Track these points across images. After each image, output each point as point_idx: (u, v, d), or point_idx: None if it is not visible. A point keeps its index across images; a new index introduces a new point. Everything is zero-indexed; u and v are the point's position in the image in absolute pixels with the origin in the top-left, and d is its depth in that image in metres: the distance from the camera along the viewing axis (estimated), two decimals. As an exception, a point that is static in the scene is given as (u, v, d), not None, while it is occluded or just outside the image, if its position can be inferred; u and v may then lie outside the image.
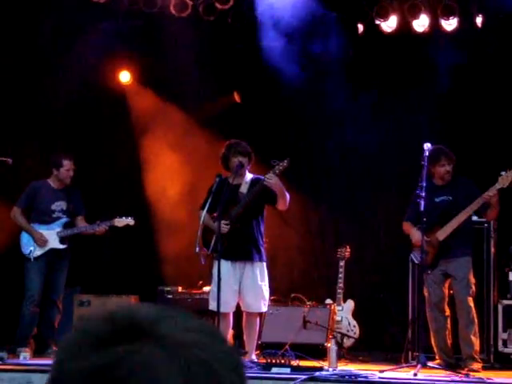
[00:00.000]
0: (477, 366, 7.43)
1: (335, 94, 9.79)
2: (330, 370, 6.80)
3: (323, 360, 7.26)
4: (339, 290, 8.64)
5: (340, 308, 8.62)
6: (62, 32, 9.54)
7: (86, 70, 9.85)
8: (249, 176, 7.77)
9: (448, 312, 7.69)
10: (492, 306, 8.26)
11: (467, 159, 8.39)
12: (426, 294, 7.72)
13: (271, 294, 7.94)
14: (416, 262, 7.78)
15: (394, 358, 8.23)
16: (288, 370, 6.77)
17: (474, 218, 7.96)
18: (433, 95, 9.43)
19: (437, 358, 7.62)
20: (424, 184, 7.33)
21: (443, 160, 7.74)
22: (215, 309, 7.34)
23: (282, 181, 7.52)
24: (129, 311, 0.98)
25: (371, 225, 9.75)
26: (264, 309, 7.77)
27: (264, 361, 7.13)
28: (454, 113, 9.42)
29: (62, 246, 8.31)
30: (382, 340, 9.23)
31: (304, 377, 6.40)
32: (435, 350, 7.67)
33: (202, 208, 7.63)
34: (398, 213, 8.99)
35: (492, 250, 8.31)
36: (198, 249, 7.51)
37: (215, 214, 7.55)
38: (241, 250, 7.57)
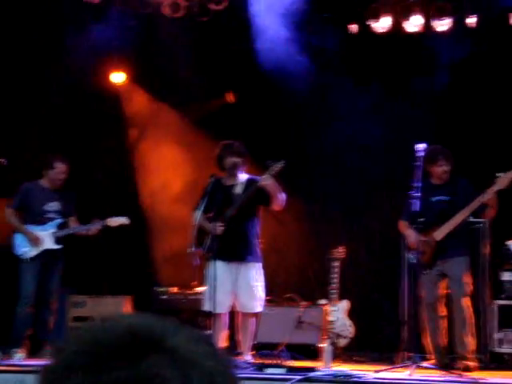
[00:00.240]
0: (471, 365, 7.45)
1: (330, 94, 9.82)
2: (325, 370, 6.80)
3: (317, 360, 7.26)
4: (333, 291, 8.65)
5: (334, 308, 8.62)
6: (55, 33, 9.53)
7: (80, 70, 9.83)
8: (243, 176, 7.77)
9: (444, 312, 7.70)
10: (486, 305, 8.27)
11: (462, 159, 8.39)
12: (421, 294, 7.72)
13: (266, 294, 7.93)
14: (412, 261, 7.77)
15: (388, 358, 8.23)
16: (283, 371, 6.77)
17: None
18: (427, 95, 9.45)
19: (431, 357, 7.63)
20: (418, 184, 7.33)
21: (441, 160, 7.74)
22: (210, 309, 7.34)
23: (277, 179, 7.52)
24: (134, 323, 0.98)
25: (365, 225, 9.77)
26: (259, 309, 7.77)
27: (259, 361, 7.13)
28: (448, 113, 9.43)
29: (56, 247, 8.31)
30: (376, 340, 9.24)
31: (299, 377, 6.39)
32: (430, 349, 7.68)
33: (197, 209, 7.64)
34: (392, 213, 9.01)
35: (486, 249, 8.32)
36: (192, 249, 7.51)
37: (210, 215, 7.55)
38: (236, 250, 7.57)
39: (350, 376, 6.53)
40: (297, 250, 9.81)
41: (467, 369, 7.24)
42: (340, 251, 8.76)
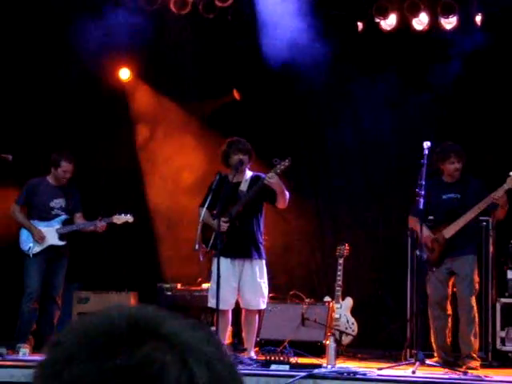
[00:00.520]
0: (475, 364, 7.45)
1: (336, 92, 9.82)
2: (329, 367, 6.82)
3: (322, 357, 7.28)
4: (338, 288, 8.66)
5: (338, 305, 8.64)
6: (60, 29, 9.54)
7: (86, 66, 9.85)
8: (249, 174, 7.78)
9: (450, 311, 7.68)
10: (490, 304, 8.27)
11: (474, 158, 8.34)
12: (428, 291, 7.71)
13: (270, 291, 7.95)
14: (422, 258, 7.75)
15: (392, 355, 8.25)
16: (287, 367, 6.79)
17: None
18: (436, 93, 9.40)
19: (435, 355, 7.63)
20: (423, 182, 7.32)
21: (453, 157, 7.69)
22: (214, 306, 7.36)
23: (281, 179, 7.54)
24: (131, 312, 1.00)
25: (370, 222, 9.77)
26: (263, 306, 7.80)
27: (263, 358, 7.15)
28: (458, 111, 9.40)
29: (60, 243, 8.33)
30: (380, 337, 9.25)
31: (303, 374, 6.41)
32: (434, 347, 7.67)
33: (202, 205, 7.65)
34: (396, 210, 9.03)
35: (491, 248, 8.31)
36: (197, 246, 7.53)
37: (215, 212, 7.56)
38: (240, 247, 7.59)
39: (354, 373, 6.55)
40: (301, 247, 9.82)
41: (471, 368, 7.24)
42: (345, 248, 8.77)
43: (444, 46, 9.21)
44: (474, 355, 7.57)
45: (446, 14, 9.11)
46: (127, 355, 0.95)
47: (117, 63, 10.26)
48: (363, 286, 9.51)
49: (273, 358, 7.00)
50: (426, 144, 7.49)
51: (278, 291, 8.97)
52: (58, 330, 8.23)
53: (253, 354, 7.57)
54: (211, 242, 7.57)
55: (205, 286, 8.84)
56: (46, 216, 8.33)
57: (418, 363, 6.83)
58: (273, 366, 6.81)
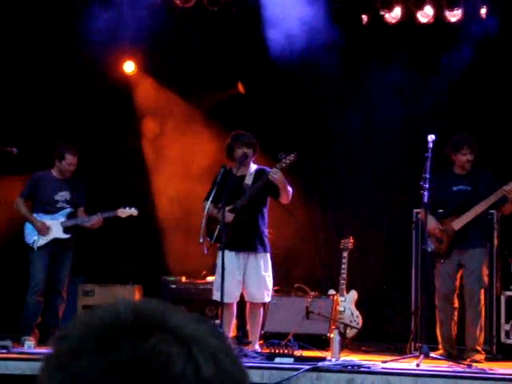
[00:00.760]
0: (479, 357, 7.45)
1: (340, 85, 9.80)
2: (333, 360, 6.82)
3: (326, 350, 7.28)
4: (342, 281, 8.67)
5: (343, 298, 8.65)
6: (64, 22, 9.54)
7: (91, 60, 9.85)
8: (253, 167, 7.78)
9: (457, 304, 7.67)
10: (495, 297, 8.27)
11: (486, 151, 8.28)
12: (436, 283, 7.69)
13: (274, 284, 7.96)
14: (429, 250, 7.74)
15: (397, 348, 8.27)
16: (291, 360, 6.79)
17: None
18: (444, 83, 9.36)
19: (440, 348, 7.63)
20: (428, 176, 7.28)
21: (466, 149, 7.66)
22: (219, 299, 7.37)
23: (285, 172, 7.53)
24: (136, 305, 1.02)
25: (375, 216, 9.77)
26: (267, 299, 7.80)
27: (267, 351, 7.16)
28: (467, 102, 9.35)
29: (65, 236, 8.34)
30: (384, 330, 9.27)
31: (307, 367, 6.42)
32: (439, 340, 7.66)
33: (207, 198, 7.66)
34: (401, 204, 9.03)
35: (495, 241, 8.30)
36: (201, 239, 7.54)
37: (220, 205, 7.57)
38: (245, 240, 7.59)
39: (358, 366, 6.56)
40: (305, 241, 9.82)
41: (475, 361, 7.24)
42: (349, 241, 8.78)
43: (451, 36, 9.17)
44: (479, 348, 7.57)
45: (451, 7, 9.10)
46: (133, 347, 0.96)
47: (121, 56, 10.25)
48: (368, 279, 9.52)
49: (277, 351, 7.01)
50: (431, 137, 7.45)
51: (283, 284, 8.97)
52: (63, 323, 8.26)
53: (257, 347, 7.58)
54: (216, 234, 7.58)
55: (209, 279, 8.85)
56: (51, 209, 8.34)
57: (422, 356, 6.83)
58: (277, 359, 6.82)
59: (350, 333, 8.56)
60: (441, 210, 7.83)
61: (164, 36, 9.93)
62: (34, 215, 8.34)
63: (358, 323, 8.64)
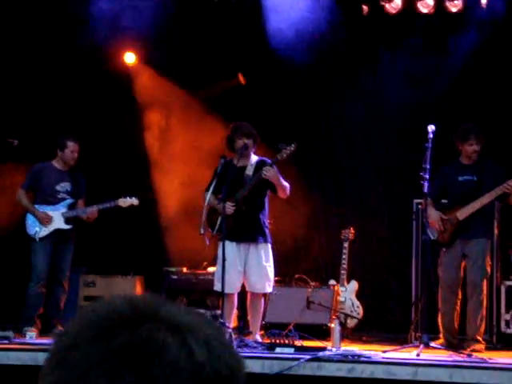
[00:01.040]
0: (480, 346, 7.47)
1: (340, 75, 9.80)
2: (334, 350, 6.84)
3: (327, 340, 7.31)
4: (343, 271, 8.69)
5: (343, 289, 8.67)
6: (65, 14, 9.54)
7: (91, 51, 9.85)
8: (254, 158, 7.79)
9: (460, 294, 7.65)
10: (495, 286, 8.28)
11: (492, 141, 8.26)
12: (440, 273, 7.69)
13: (276, 274, 7.98)
14: (432, 238, 7.74)
15: (397, 338, 8.29)
16: (292, 350, 6.82)
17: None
18: (444, 76, 9.35)
19: (441, 337, 7.63)
20: (428, 166, 7.27)
21: (472, 139, 7.66)
22: (220, 289, 7.38)
23: (285, 163, 7.55)
24: (132, 298, 1.05)
25: (375, 206, 9.78)
26: (268, 289, 7.82)
27: (268, 341, 7.19)
28: (470, 93, 9.34)
29: (67, 227, 8.36)
30: (385, 320, 9.29)
31: (307, 357, 6.44)
32: (441, 329, 7.65)
33: (207, 189, 7.67)
34: (402, 194, 9.05)
35: (495, 231, 8.31)
36: (202, 230, 7.55)
37: (220, 196, 7.59)
38: (246, 231, 7.61)
39: (359, 356, 6.57)
40: (306, 231, 9.83)
41: (475, 351, 7.25)
42: (350, 232, 8.80)
43: (455, 23, 9.14)
44: (480, 338, 7.58)
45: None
46: (128, 335, 0.99)
47: (122, 47, 10.26)
48: (368, 270, 9.54)
49: (278, 341, 7.03)
50: (431, 128, 7.45)
51: (284, 275, 8.99)
52: (65, 314, 8.29)
53: (258, 337, 7.60)
54: (217, 225, 7.60)
55: (210, 269, 8.87)
56: (52, 200, 8.36)
57: (422, 346, 6.85)
58: (277, 349, 6.84)
59: (351, 323, 8.58)
60: (445, 201, 7.84)
61: (164, 27, 9.93)
62: (36, 206, 8.36)
63: (358, 313, 8.67)
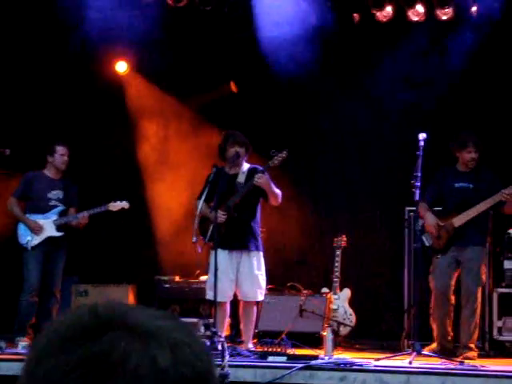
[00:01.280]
0: (472, 354, 7.47)
1: (332, 83, 9.82)
2: (326, 358, 6.84)
3: (319, 348, 7.31)
4: (335, 279, 8.68)
5: (336, 297, 8.66)
6: (56, 23, 9.54)
7: (83, 59, 9.86)
8: (246, 166, 7.81)
9: (453, 301, 7.66)
10: (487, 293, 8.29)
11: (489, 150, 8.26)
12: (432, 280, 7.69)
13: (267, 283, 7.97)
14: (427, 244, 7.74)
15: (390, 346, 8.29)
16: (284, 359, 6.81)
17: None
18: (439, 82, 9.35)
19: (434, 343, 7.61)
20: (419, 174, 7.27)
21: (471, 146, 7.65)
22: (212, 298, 7.39)
23: (277, 170, 7.56)
24: (96, 307, 1.05)
25: (368, 214, 9.79)
26: (261, 298, 7.82)
27: (260, 349, 7.18)
28: (466, 99, 9.34)
29: (58, 234, 8.34)
30: (378, 328, 9.29)
31: (300, 365, 6.44)
32: (435, 335, 7.64)
33: (199, 198, 7.68)
34: (394, 201, 9.06)
35: (487, 238, 8.31)
36: (195, 238, 7.55)
37: (212, 204, 7.59)
38: (237, 239, 7.62)
39: (351, 364, 6.58)
40: (298, 239, 9.83)
41: (468, 358, 7.25)
42: (342, 239, 8.80)
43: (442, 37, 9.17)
44: (472, 346, 7.58)
45: (442, 5, 9.12)
46: (90, 345, 0.99)
47: (114, 56, 10.26)
48: (361, 277, 9.54)
49: (270, 350, 7.03)
50: (422, 135, 7.46)
51: (276, 283, 8.99)
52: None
53: (251, 346, 7.60)
54: (209, 234, 7.60)
55: (203, 278, 8.86)
56: (44, 208, 8.35)
57: (414, 353, 6.85)
58: (270, 358, 6.83)
59: (344, 331, 8.58)
60: (439, 208, 7.84)
61: (156, 36, 9.93)
62: (27, 215, 8.35)
63: (351, 321, 8.66)
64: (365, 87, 9.63)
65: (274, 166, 7.57)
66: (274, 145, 7.89)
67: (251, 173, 7.67)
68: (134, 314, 1.04)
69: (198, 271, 9.22)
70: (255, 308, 7.86)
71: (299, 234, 9.83)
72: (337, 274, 8.68)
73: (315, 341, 7.82)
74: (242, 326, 7.85)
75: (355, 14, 9.43)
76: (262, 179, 7.44)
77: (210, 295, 7.53)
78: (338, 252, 8.75)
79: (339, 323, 8.51)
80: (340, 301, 8.68)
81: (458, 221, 7.61)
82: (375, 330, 9.24)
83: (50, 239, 8.31)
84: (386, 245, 9.50)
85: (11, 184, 8.77)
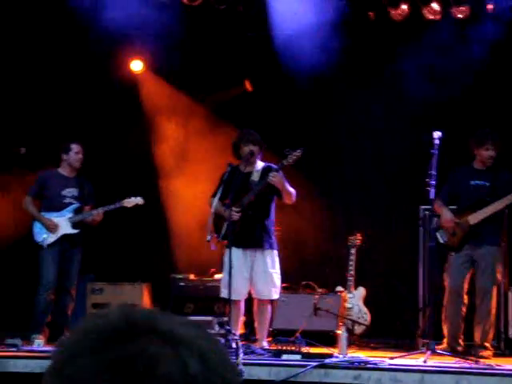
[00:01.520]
0: (487, 353, 7.44)
1: (347, 81, 9.80)
2: (340, 356, 6.84)
3: (334, 347, 7.30)
4: (350, 278, 8.68)
5: (351, 295, 8.66)
6: (72, 22, 9.57)
7: (99, 59, 9.89)
8: (260, 164, 7.81)
9: (466, 300, 7.64)
10: (502, 292, 8.25)
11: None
12: (446, 278, 7.66)
13: (282, 281, 7.98)
14: (441, 241, 7.70)
15: (404, 344, 8.27)
16: (298, 357, 6.82)
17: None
18: (450, 79, 9.32)
19: (444, 342, 7.59)
20: (434, 173, 7.25)
21: (489, 144, 7.61)
22: (227, 296, 7.40)
23: (291, 169, 7.56)
24: (128, 311, 1.06)
25: (382, 212, 9.78)
26: (275, 296, 7.83)
27: (275, 348, 7.19)
28: (483, 98, 9.32)
29: (74, 231, 8.37)
30: (393, 327, 9.27)
31: (314, 364, 6.45)
32: (445, 334, 7.64)
33: (214, 196, 7.69)
34: (409, 199, 9.03)
35: (502, 237, 8.27)
36: (209, 236, 7.56)
37: (227, 202, 7.60)
38: (252, 237, 7.63)
39: (365, 362, 6.57)
40: (313, 237, 9.83)
41: (483, 357, 7.22)
42: (357, 238, 8.79)
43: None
44: (488, 345, 7.56)
45: (458, 3, 9.09)
46: (122, 349, 1.00)
47: (129, 55, 10.29)
48: (376, 276, 9.52)
49: (285, 348, 7.03)
50: (437, 134, 7.43)
51: (291, 281, 8.99)
52: (72, 321, 8.30)
53: (265, 344, 7.60)
54: (223, 232, 7.61)
55: (217, 276, 8.87)
56: (59, 206, 8.37)
57: (429, 352, 6.83)
58: (284, 356, 6.84)
59: (358, 329, 8.57)
60: (453, 207, 7.80)
61: (172, 35, 9.95)
62: (42, 213, 8.39)
63: (365, 320, 8.65)
64: (379, 85, 9.61)
65: (288, 165, 7.57)
66: (288, 143, 7.90)
67: (265, 171, 7.68)
68: (163, 319, 1.05)
69: (212, 269, 9.23)
70: (270, 306, 7.86)
71: (314, 232, 9.83)
72: (351, 272, 8.68)
73: (330, 339, 7.81)
74: (256, 324, 7.86)
75: (370, 13, 9.40)
76: (276, 177, 7.44)
77: (224, 293, 7.55)
78: (353, 250, 8.74)
79: (354, 322, 8.50)
80: (355, 299, 8.68)
81: (474, 218, 7.57)
82: (390, 328, 9.21)
83: (65, 237, 8.34)
84: (400, 243, 9.48)
85: (26, 183, 8.81)
